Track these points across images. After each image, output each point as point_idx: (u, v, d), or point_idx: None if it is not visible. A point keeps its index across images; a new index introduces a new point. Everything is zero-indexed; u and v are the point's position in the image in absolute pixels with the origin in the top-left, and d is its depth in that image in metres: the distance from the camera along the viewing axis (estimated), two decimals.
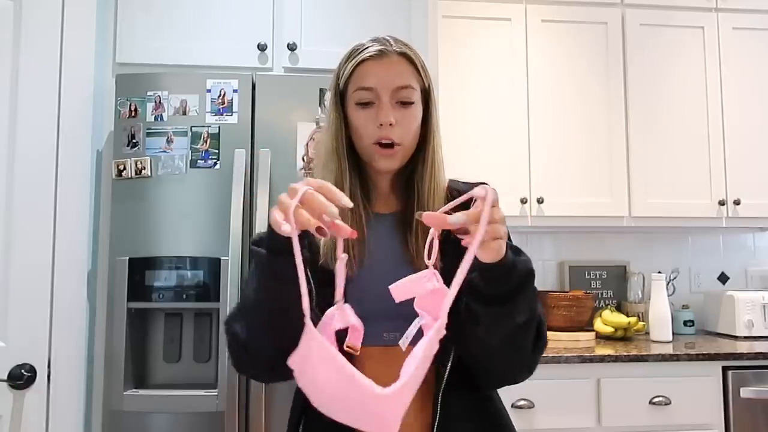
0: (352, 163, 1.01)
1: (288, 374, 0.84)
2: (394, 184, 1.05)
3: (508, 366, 0.93)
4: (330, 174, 0.99)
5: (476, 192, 0.77)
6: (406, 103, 0.97)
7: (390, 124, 0.95)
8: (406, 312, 0.95)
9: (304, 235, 0.93)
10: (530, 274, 0.86)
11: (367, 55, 0.97)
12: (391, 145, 0.97)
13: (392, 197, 1.05)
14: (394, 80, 0.96)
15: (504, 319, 0.86)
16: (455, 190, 1.04)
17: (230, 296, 1.70)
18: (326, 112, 1.03)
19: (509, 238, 1.01)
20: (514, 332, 0.87)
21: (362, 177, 1.03)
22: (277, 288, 0.81)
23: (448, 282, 0.95)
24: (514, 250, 0.87)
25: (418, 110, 1.00)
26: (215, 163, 1.81)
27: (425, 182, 1.00)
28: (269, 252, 0.82)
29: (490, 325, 0.86)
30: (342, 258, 0.80)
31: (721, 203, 2.49)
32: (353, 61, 0.98)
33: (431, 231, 0.84)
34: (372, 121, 0.96)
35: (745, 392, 2.03)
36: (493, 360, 0.92)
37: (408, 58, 0.99)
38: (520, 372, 0.94)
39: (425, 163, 1.01)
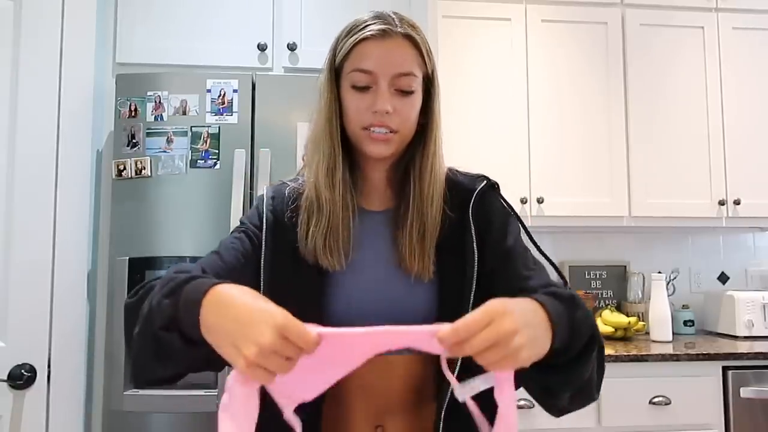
0: (344, 149, 0.93)
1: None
2: (389, 177, 0.97)
3: (581, 398, 0.83)
4: (323, 156, 0.92)
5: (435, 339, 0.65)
6: (405, 92, 0.89)
7: (387, 113, 0.87)
8: (397, 319, 0.89)
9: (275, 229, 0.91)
10: (592, 333, 0.78)
11: (369, 33, 0.88)
12: (384, 131, 0.89)
13: (388, 192, 0.97)
14: (396, 66, 0.88)
15: (571, 377, 0.77)
16: (453, 183, 0.97)
17: None
18: (319, 89, 0.94)
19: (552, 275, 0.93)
20: (578, 392, 0.80)
21: (352, 167, 0.95)
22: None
23: (445, 282, 0.90)
24: (567, 302, 0.76)
25: (417, 99, 0.92)
26: (215, 163, 1.81)
27: (425, 175, 0.92)
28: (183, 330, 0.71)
29: (555, 388, 0.79)
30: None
31: (721, 203, 2.49)
32: (353, 38, 0.89)
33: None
34: (367, 107, 0.88)
35: (745, 392, 2.03)
36: (566, 399, 0.82)
37: (413, 41, 0.90)
38: (593, 396, 0.83)
39: (425, 154, 0.93)
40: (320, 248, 0.90)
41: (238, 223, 0.98)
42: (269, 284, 0.90)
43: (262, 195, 0.98)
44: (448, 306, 0.90)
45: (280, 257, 0.92)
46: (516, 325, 0.64)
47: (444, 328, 0.63)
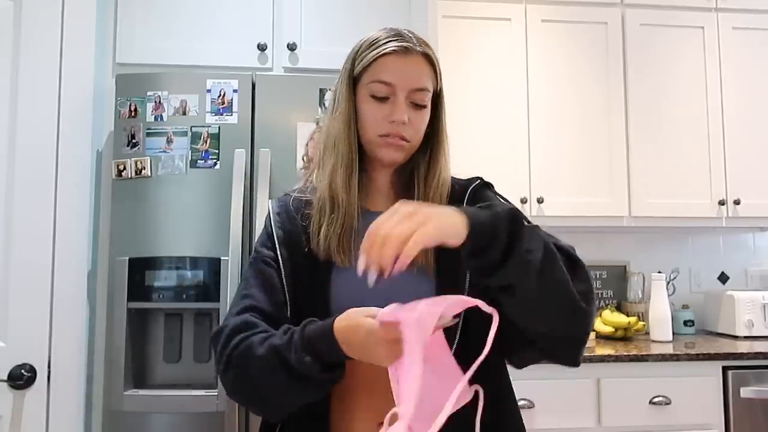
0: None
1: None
2: (393, 182, 1.04)
3: (564, 310, 0.81)
4: (341, 160, 0.97)
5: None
6: (419, 105, 0.97)
7: (403, 123, 0.95)
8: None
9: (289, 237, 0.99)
10: (512, 217, 0.78)
11: (391, 49, 0.95)
12: (399, 137, 0.96)
13: (391, 194, 1.04)
14: (414, 81, 0.96)
15: (521, 270, 0.76)
16: (452, 185, 1.04)
17: (230, 296, 1.70)
18: (335, 94, 1.02)
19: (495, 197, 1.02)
20: (541, 276, 0.77)
21: (360, 171, 1.01)
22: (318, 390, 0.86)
23: (443, 273, 0.95)
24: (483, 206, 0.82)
25: (427, 113, 0.99)
26: (215, 163, 1.81)
27: (431, 181, 1.00)
28: (322, 365, 0.83)
29: (516, 286, 0.78)
30: None
31: (721, 203, 2.49)
32: (375, 52, 0.96)
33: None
34: (384, 116, 0.95)
35: (745, 392, 2.03)
36: (546, 316, 0.82)
37: (429, 60, 0.99)
38: (579, 305, 0.82)
39: (432, 162, 1.00)
40: (334, 247, 0.95)
41: (255, 251, 1.04)
42: (291, 286, 0.97)
43: (269, 213, 1.04)
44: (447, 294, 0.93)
45: (296, 263, 0.98)
46: (417, 207, 0.74)
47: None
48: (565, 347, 0.87)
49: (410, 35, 0.98)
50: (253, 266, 1.00)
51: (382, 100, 0.96)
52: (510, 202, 1.03)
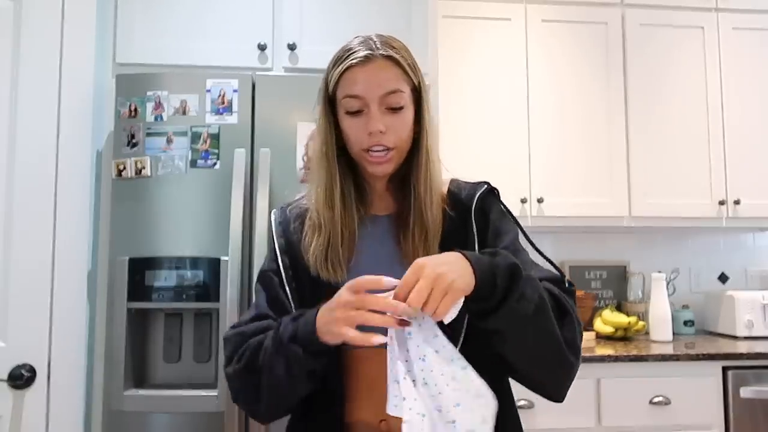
0: (345, 164, 1.00)
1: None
2: (390, 186, 1.04)
3: (550, 358, 0.87)
4: (320, 179, 1.00)
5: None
6: (395, 109, 0.95)
7: (380, 132, 0.94)
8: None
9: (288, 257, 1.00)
10: (512, 270, 0.82)
11: (353, 61, 0.94)
12: (382, 150, 0.95)
13: (389, 198, 1.04)
14: (382, 87, 0.94)
15: (513, 318, 0.81)
16: (456, 190, 1.04)
17: (230, 296, 1.70)
18: (316, 115, 1.03)
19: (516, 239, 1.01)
20: (532, 323, 0.83)
21: (356, 178, 1.03)
22: (310, 381, 0.88)
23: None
24: (489, 254, 0.85)
25: (408, 113, 0.97)
26: (215, 163, 1.81)
27: (420, 183, 0.99)
28: (307, 353, 0.85)
29: (507, 331, 0.83)
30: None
31: (721, 203, 2.49)
32: (340, 68, 0.95)
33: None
34: (362, 130, 0.95)
35: (745, 392, 2.03)
36: (534, 363, 0.88)
37: (394, 60, 0.95)
38: (566, 356, 0.87)
39: (419, 162, 0.99)
40: (321, 263, 0.97)
41: (260, 269, 1.06)
42: (297, 294, 0.99)
43: (270, 224, 1.07)
44: None
45: (298, 272, 1.00)
46: (438, 269, 0.77)
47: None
48: (550, 389, 0.93)
49: (373, 40, 0.96)
50: (260, 280, 1.04)
51: (357, 113, 0.95)
52: (511, 212, 1.04)
